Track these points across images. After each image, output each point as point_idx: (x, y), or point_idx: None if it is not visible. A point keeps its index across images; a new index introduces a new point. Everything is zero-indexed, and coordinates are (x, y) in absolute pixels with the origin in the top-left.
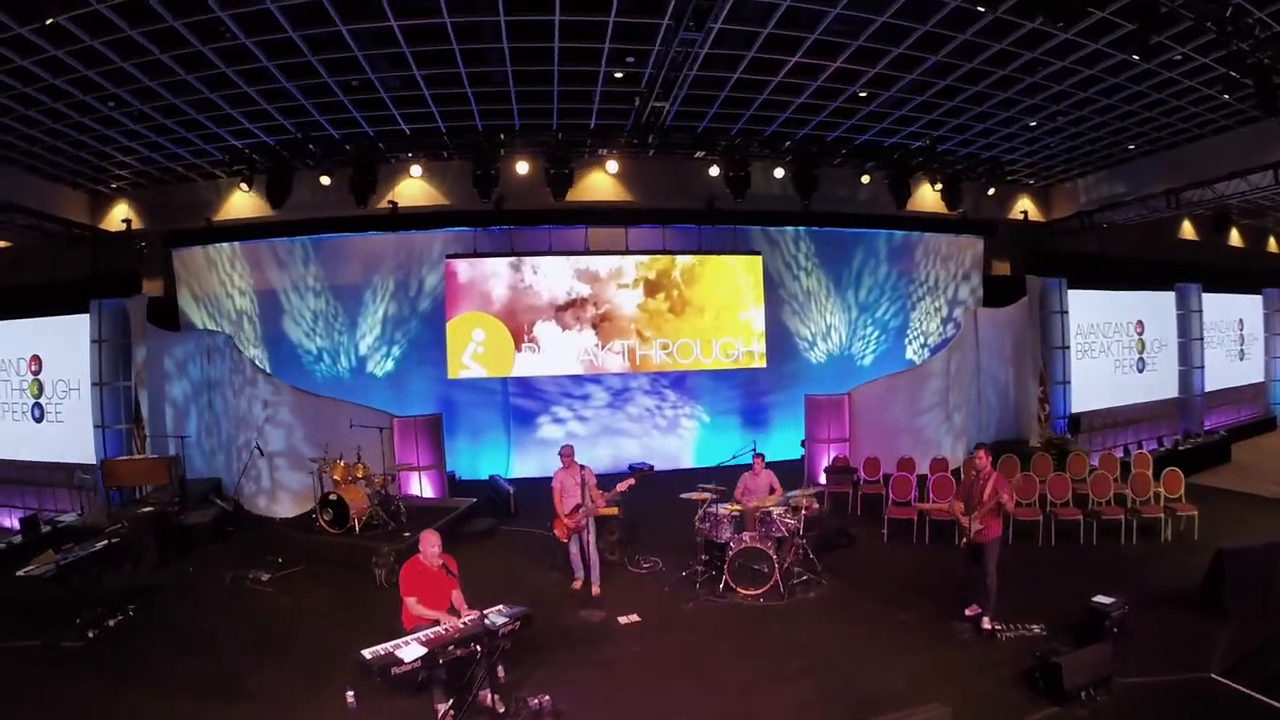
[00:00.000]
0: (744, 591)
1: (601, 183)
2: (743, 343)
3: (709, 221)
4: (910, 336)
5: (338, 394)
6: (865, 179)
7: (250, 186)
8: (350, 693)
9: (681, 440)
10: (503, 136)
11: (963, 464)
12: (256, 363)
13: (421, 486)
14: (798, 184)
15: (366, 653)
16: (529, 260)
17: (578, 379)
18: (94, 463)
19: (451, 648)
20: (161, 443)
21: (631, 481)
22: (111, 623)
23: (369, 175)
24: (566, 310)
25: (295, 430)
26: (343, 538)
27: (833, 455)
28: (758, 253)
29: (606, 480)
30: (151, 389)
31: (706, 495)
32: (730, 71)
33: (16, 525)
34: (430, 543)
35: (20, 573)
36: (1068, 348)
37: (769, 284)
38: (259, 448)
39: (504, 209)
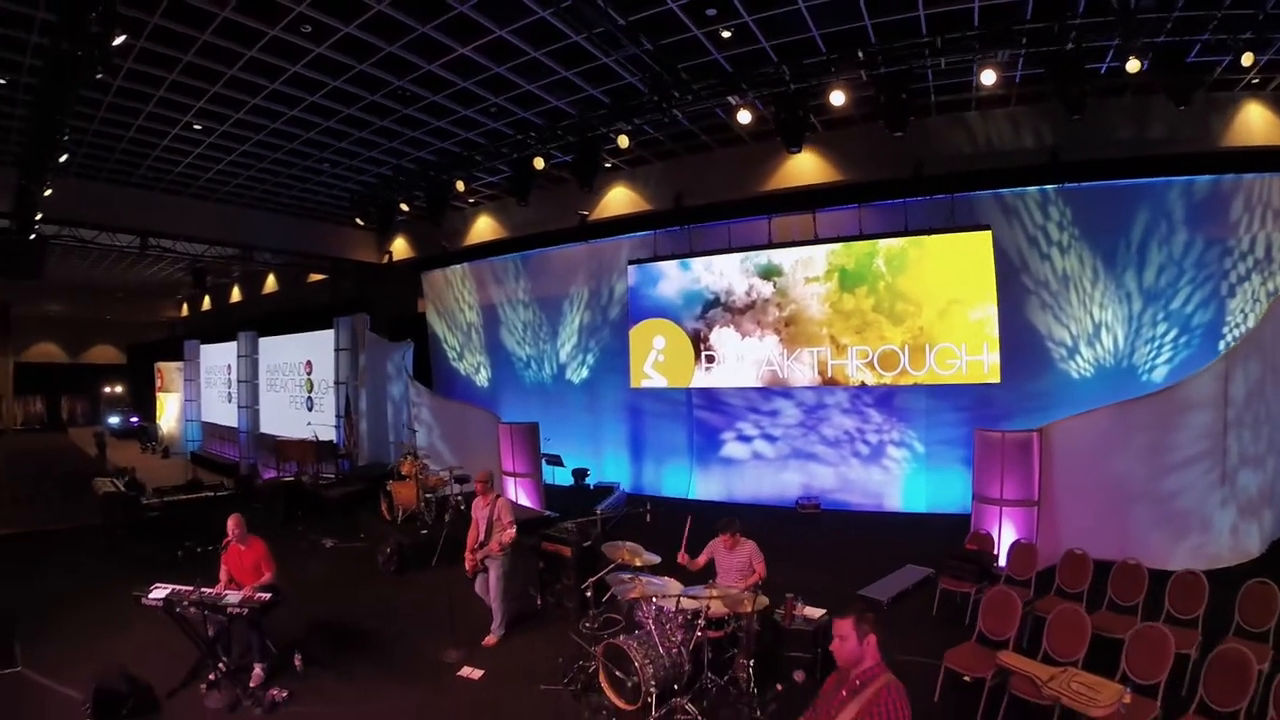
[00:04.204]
0: (611, 697)
1: (802, 165)
2: (968, 350)
3: (918, 192)
4: (1229, 338)
5: (539, 398)
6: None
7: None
8: (298, 657)
9: (887, 474)
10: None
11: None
12: (479, 369)
13: (517, 494)
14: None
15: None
16: (704, 259)
17: (765, 392)
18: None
19: (186, 604)
20: (380, 432)
21: (511, 535)
22: (200, 550)
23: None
24: (745, 313)
25: (434, 429)
26: (389, 525)
27: (990, 530)
28: (986, 226)
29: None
30: (374, 387)
31: (625, 555)
32: None
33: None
34: (230, 526)
35: (144, 501)
36: None
37: (1005, 268)
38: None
39: (683, 205)
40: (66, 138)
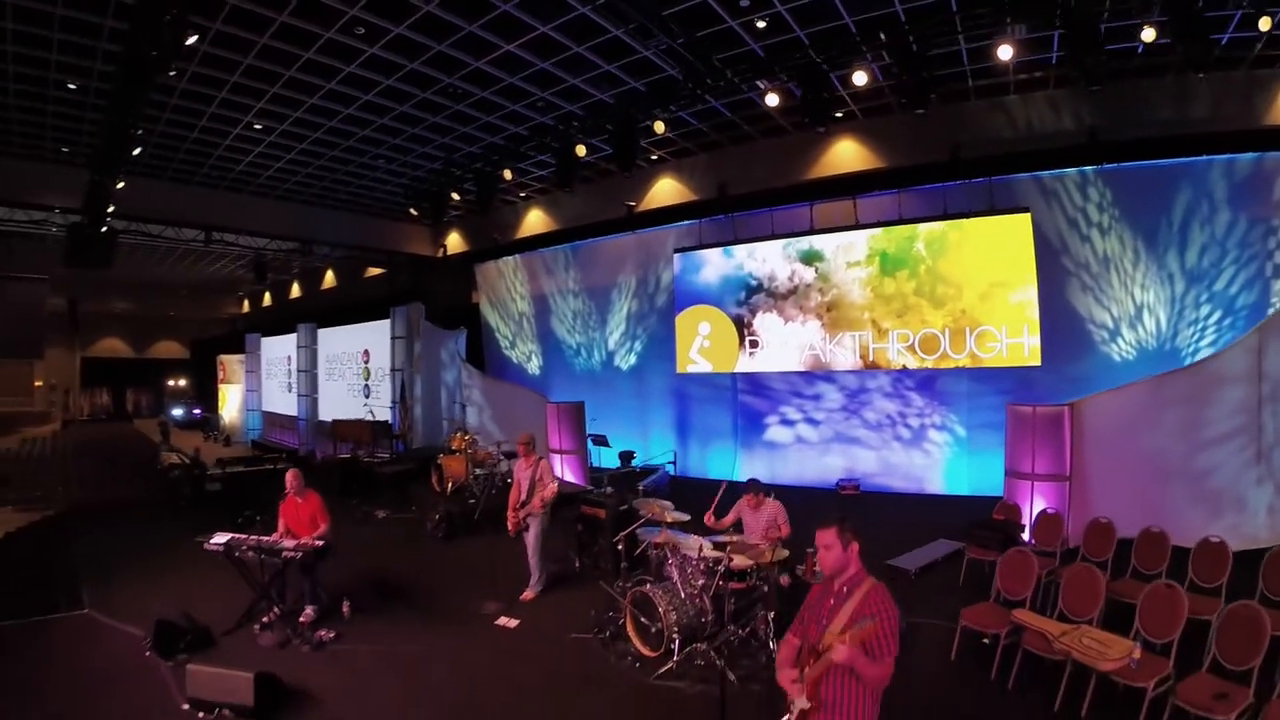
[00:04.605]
0: (637, 644)
1: (843, 152)
2: (1008, 332)
3: (956, 176)
4: None
5: (589, 385)
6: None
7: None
8: (346, 604)
9: (929, 458)
10: None
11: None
12: (530, 358)
13: (563, 471)
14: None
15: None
16: (747, 246)
17: (808, 376)
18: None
19: (245, 549)
20: (434, 417)
21: (553, 490)
22: (259, 518)
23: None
24: (787, 299)
25: (485, 410)
26: (439, 496)
27: (1027, 504)
28: (1025, 209)
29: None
30: (428, 374)
31: (655, 510)
32: None
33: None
34: (288, 479)
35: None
36: None
37: (1045, 251)
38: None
39: (727, 194)
40: (139, 132)
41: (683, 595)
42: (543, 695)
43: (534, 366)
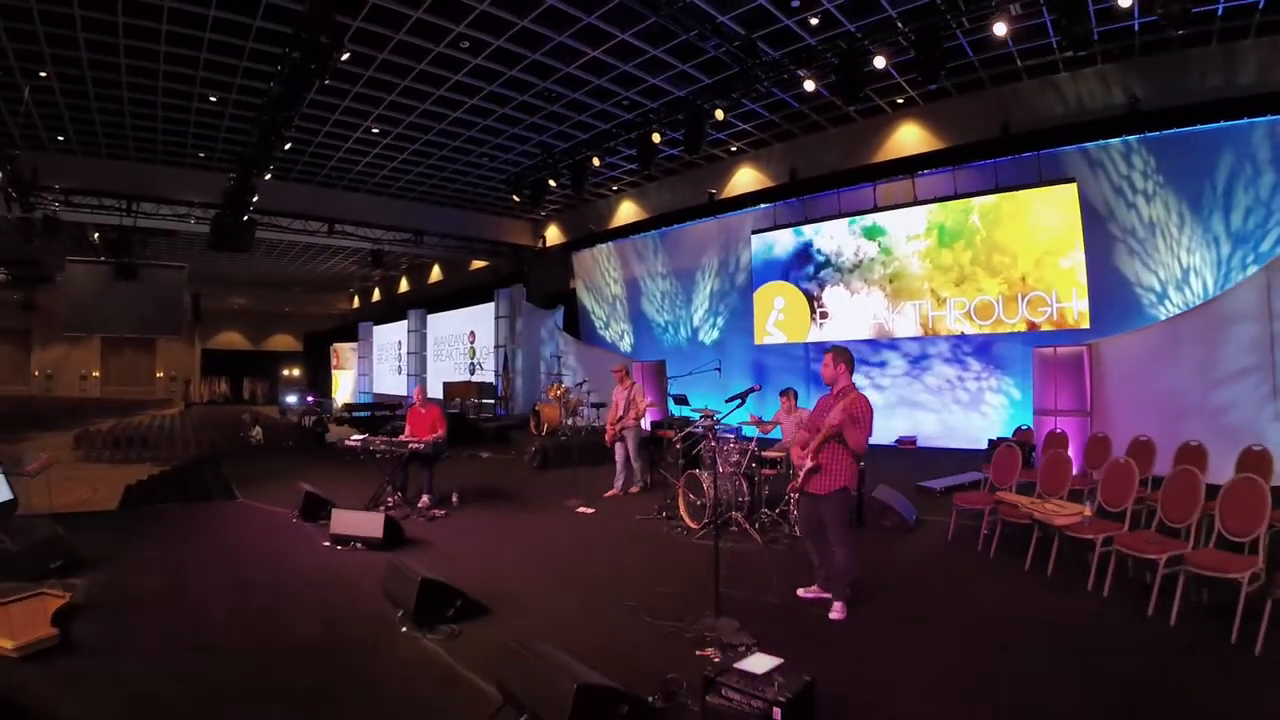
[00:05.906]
0: (685, 520)
1: (905, 137)
2: (1058, 297)
3: (1006, 152)
4: None
5: (676, 359)
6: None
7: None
8: (455, 495)
9: (986, 420)
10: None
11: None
12: (622, 335)
13: (646, 421)
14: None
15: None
16: (816, 225)
17: (874, 344)
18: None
19: (379, 441)
20: (533, 387)
21: (643, 406)
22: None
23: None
24: (853, 272)
25: (578, 372)
26: (536, 436)
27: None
28: (1070, 179)
29: None
30: (528, 350)
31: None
32: None
33: None
34: (415, 393)
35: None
36: None
37: (1091, 219)
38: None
39: (798, 179)
40: (292, 130)
41: (723, 474)
42: (604, 546)
43: (626, 344)
